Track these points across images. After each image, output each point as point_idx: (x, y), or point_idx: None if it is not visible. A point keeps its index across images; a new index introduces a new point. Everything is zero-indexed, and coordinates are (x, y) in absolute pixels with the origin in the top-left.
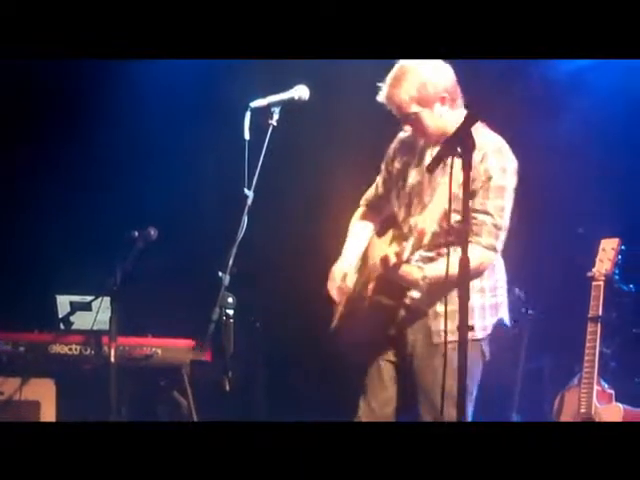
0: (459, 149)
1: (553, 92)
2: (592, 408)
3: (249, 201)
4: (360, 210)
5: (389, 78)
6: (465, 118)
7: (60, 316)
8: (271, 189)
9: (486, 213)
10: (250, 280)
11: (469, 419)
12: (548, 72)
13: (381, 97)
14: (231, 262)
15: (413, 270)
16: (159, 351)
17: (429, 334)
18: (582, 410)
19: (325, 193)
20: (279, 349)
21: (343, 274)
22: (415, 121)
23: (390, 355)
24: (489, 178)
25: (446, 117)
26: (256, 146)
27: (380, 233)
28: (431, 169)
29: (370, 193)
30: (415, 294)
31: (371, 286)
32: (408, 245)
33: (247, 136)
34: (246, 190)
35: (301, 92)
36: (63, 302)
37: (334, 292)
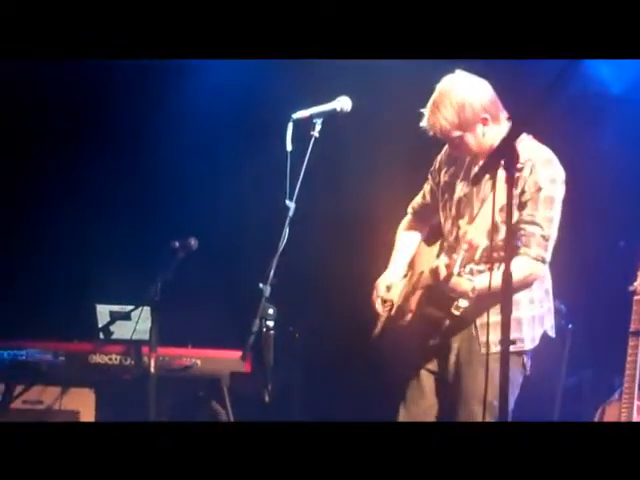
0: (503, 162)
1: (598, 103)
2: None
3: (291, 212)
4: (407, 218)
5: (428, 105)
6: (509, 131)
7: (100, 326)
8: (313, 200)
9: (535, 224)
10: (291, 292)
11: None
12: (594, 85)
13: (423, 123)
14: (272, 273)
15: (462, 282)
16: (199, 362)
17: (476, 343)
18: None
19: (367, 204)
20: (319, 361)
21: (387, 286)
22: (460, 144)
23: (432, 365)
24: (539, 189)
25: (489, 135)
26: (298, 157)
27: (428, 242)
28: (475, 182)
29: (417, 201)
30: (463, 303)
31: (418, 295)
32: (459, 258)
33: (289, 147)
34: (288, 201)
35: (343, 103)
36: (103, 312)
37: (378, 303)
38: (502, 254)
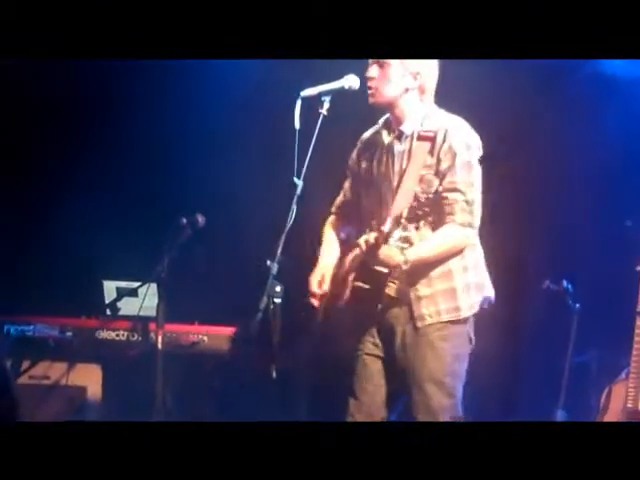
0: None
1: (603, 84)
2: (639, 403)
3: (298, 190)
4: (331, 218)
5: None
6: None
7: (107, 302)
8: (321, 178)
9: (457, 190)
10: (299, 269)
11: (459, 405)
12: (599, 66)
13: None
14: (279, 251)
15: (394, 253)
16: (205, 338)
17: (412, 319)
18: (629, 405)
19: None
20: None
21: (319, 281)
22: (382, 68)
23: (374, 348)
24: (454, 155)
25: (410, 95)
26: (306, 135)
27: (353, 238)
28: (390, 157)
29: (339, 200)
30: (396, 280)
31: (352, 277)
32: (386, 226)
33: (297, 125)
34: (295, 179)
35: (351, 81)
36: (110, 288)
37: (312, 299)
38: (426, 210)
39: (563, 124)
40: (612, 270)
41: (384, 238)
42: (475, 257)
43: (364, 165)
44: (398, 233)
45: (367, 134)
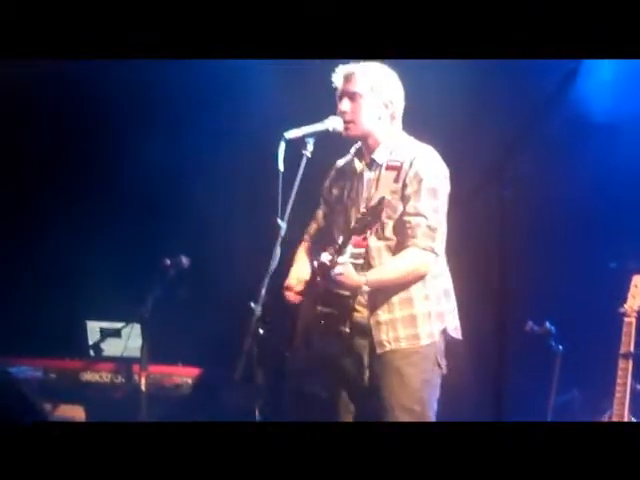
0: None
1: (584, 129)
2: None
3: (282, 232)
4: (304, 245)
5: (358, 62)
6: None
7: (90, 343)
8: (304, 220)
9: (420, 215)
10: (282, 311)
11: None
12: (589, 101)
13: (340, 67)
14: (263, 292)
15: (352, 273)
16: (189, 380)
17: (372, 345)
18: None
19: None
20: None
21: (297, 280)
22: (354, 101)
23: (345, 377)
24: (420, 180)
25: (382, 123)
26: (290, 175)
27: None
28: (359, 183)
29: (312, 227)
30: (359, 309)
31: (319, 304)
32: (338, 244)
33: (281, 167)
34: (279, 221)
35: (335, 123)
36: (93, 328)
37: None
38: (390, 243)
39: (544, 163)
40: (596, 312)
41: (337, 254)
42: (438, 286)
43: (335, 192)
44: (349, 249)
45: (340, 162)
